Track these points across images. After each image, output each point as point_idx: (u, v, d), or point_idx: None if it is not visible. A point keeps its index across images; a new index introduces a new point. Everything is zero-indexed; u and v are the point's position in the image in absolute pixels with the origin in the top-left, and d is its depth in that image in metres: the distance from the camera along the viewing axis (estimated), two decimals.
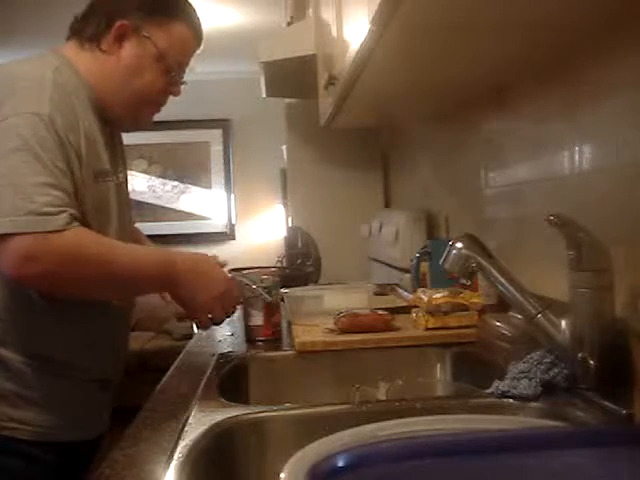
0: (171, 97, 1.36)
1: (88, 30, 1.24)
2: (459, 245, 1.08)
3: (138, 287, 1.22)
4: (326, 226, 2.62)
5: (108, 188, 1.24)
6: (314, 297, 1.65)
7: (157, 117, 1.39)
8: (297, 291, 1.76)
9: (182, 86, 1.34)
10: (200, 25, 1.33)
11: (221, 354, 1.38)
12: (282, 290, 1.74)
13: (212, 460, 0.89)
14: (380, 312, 1.46)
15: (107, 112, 1.27)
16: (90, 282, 1.11)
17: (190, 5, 1.31)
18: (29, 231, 1.03)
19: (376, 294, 1.90)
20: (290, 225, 2.80)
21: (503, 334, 1.27)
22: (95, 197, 1.17)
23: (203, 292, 1.21)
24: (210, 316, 1.24)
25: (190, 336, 1.68)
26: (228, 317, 1.27)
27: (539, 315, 0.98)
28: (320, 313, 1.49)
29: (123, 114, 1.29)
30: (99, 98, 1.24)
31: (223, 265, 1.32)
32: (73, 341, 1.20)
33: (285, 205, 3.58)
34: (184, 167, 5.27)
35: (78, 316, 1.18)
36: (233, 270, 1.54)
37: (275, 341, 1.51)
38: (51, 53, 1.23)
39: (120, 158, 1.35)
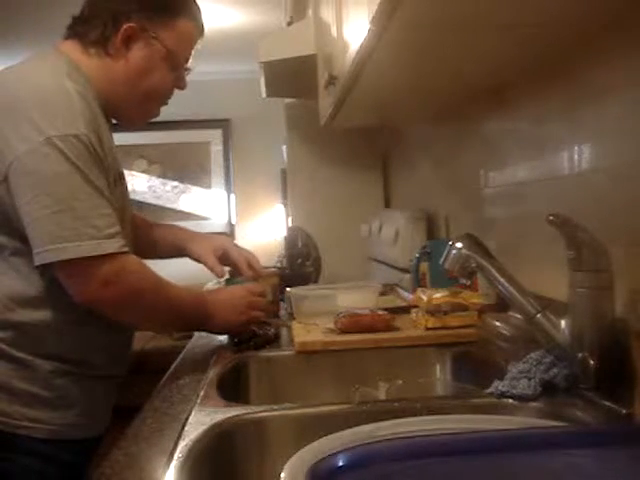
0: (172, 98, 1.37)
1: (92, 33, 1.22)
2: (459, 245, 1.08)
3: (179, 318, 1.29)
4: (326, 226, 2.62)
5: (124, 190, 1.27)
6: (325, 296, 1.65)
7: (157, 117, 1.40)
8: (304, 290, 1.76)
9: (184, 82, 1.35)
10: (201, 16, 1.34)
11: (221, 354, 1.38)
12: (287, 289, 1.74)
13: (212, 460, 0.89)
14: (380, 312, 1.46)
15: (116, 114, 1.28)
16: (150, 307, 1.20)
17: None
18: (100, 254, 1.07)
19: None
20: (290, 225, 2.79)
21: (503, 334, 1.27)
22: (116, 202, 1.18)
23: (230, 314, 1.35)
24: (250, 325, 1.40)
25: (190, 336, 1.69)
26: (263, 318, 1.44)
27: (539, 315, 0.98)
28: (329, 312, 1.49)
29: (133, 115, 1.31)
30: (107, 101, 1.23)
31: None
32: (84, 340, 1.20)
33: (285, 205, 3.58)
34: (184, 167, 5.26)
35: (88, 315, 1.18)
36: (231, 274, 1.56)
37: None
38: (57, 55, 1.21)
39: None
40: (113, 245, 1.09)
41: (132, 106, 1.28)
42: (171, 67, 1.28)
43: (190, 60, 1.33)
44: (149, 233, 1.53)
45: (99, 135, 1.14)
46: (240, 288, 1.44)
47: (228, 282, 1.55)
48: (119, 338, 1.29)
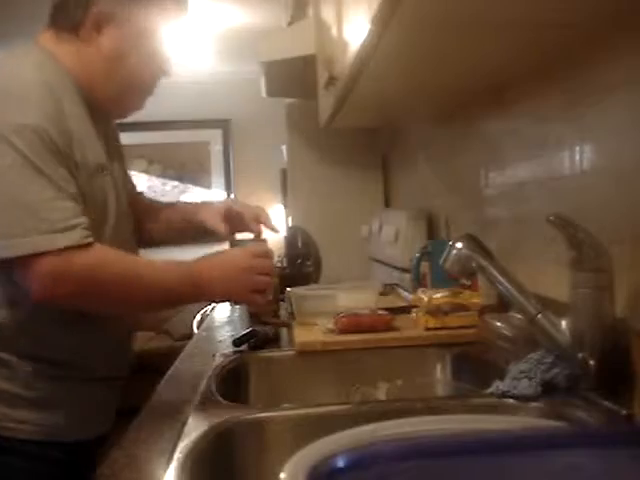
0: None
1: (65, 20, 1.17)
2: (459, 245, 1.08)
3: (166, 301, 1.19)
4: (326, 226, 2.61)
5: (105, 183, 1.19)
6: (325, 296, 1.65)
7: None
8: (304, 290, 1.76)
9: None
10: None
11: (221, 354, 1.38)
12: (287, 289, 1.74)
13: (212, 460, 0.89)
14: (380, 312, 1.46)
15: (97, 103, 1.20)
16: (117, 299, 1.11)
17: None
18: (49, 250, 1.01)
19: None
20: (290, 225, 2.79)
21: (503, 334, 1.27)
22: (91, 196, 1.13)
23: (230, 280, 1.17)
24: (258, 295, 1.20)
25: (190, 336, 1.69)
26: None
27: (539, 315, 0.97)
28: (329, 312, 1.49)
29: (113, 104, 1.23)
30: (86, 89, 1.17)
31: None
32: (74, 341, 1.17)
33: (285, 205, 3.58)
34: (184, 167, 5.27)
35: (79, 316, 1.15)
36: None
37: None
38: (33, 46, 1.17)
39: (114, 146, 1.30)
40: (70, 238, 1.03)
41: (112, 96, 1.21)
42: (149, 50, 1.20)
43: (173, 43, 1.24)
44: (157, 215, 1.45)
45: (67, 125, 1.08)
46: (240, 250, 1.25)
47: (231, 246, 1.36)
48: (111, 337, 1.25)
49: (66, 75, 1.15)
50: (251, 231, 1.34)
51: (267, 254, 1.22)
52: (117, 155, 1.30)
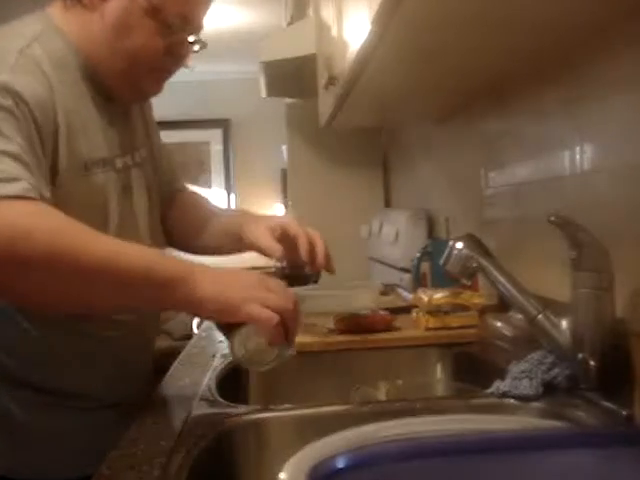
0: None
1: None
2: (459, 245, 1.08)
3: (124, 294, 0.88)
4: (326, 226, 2.61)
5: (106, 181, 1.03)
6: (325, 296, 1.65)
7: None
8: (304, 290, 1.76)
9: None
10: None
11: (221, 354, 1.38)
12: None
13: (212, 460, 0.89)
14: (380, 312, 1.46)
15: (105, 82, 1.06)
16: (41, 268, 0.82)
17: None
18: None
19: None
20: None
21: (503, 334, 1.27)
22: (86, 198, 0.99)
23: (231, 287, 0.89)
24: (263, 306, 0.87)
25: (190, 336, 1.69)
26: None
27: (539, 315, 0.98)
28: (329, 312, 1.49)
29: (118, 83, 1.07)
30: (91, 65, 1.04)
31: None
32: (62, 364, 1.04)
33: (285, 205, 3.58)
34: (184, 167, 5.27)
35: (72, 334, 1.03)
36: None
37: None
38: (38, 16, 1.05)
39: (138, 135, 1.16)
40: None
41: (115, 73, 1.05)
42: (159, 27, 1.03)
43: (194, 22, 1.08)
44: (197, 221, 1.28)
45: (42, 101, 0.93)
46: (257, 272, 0.96)
47: None
48: (115, 357, 1.09)
49: (70, 49, 1.03)
50: (302, 262, 1.13)
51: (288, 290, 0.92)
52: (136, 147, 1.14)
